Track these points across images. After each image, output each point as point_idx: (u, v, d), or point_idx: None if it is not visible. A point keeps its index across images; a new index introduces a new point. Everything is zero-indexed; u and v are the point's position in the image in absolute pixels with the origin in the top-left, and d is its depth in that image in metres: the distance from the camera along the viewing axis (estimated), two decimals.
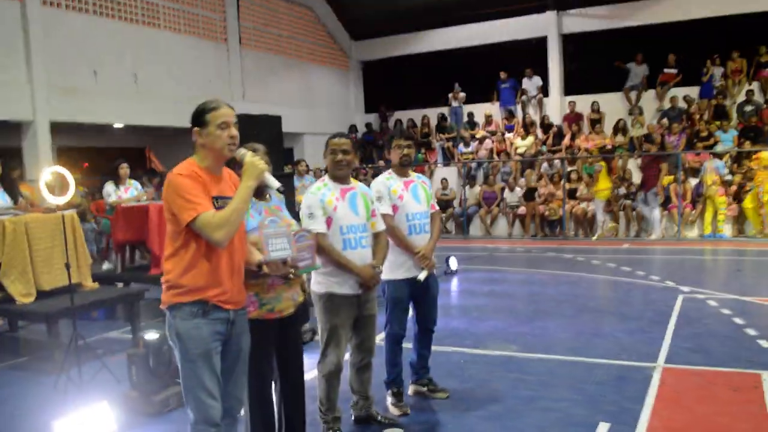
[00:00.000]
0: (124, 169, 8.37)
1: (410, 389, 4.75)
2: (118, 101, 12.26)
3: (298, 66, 17.57)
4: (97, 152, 16.21)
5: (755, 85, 15.04)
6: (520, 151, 16.34)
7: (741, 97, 14.98)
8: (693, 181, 13.50)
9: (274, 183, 3.00)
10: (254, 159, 2.89)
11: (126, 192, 8.36)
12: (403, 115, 19.02)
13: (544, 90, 17.51)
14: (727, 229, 12.67)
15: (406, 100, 19.50)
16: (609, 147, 15.27)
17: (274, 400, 3.57)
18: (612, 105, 16.47)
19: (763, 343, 5.67)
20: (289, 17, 17.19)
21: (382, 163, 16.99)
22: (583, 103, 16.62)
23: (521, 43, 18.02)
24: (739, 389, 4.62)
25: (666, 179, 13.72)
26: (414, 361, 4.75)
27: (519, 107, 17.64)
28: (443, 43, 18.84)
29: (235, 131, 2.94)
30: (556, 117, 16.97)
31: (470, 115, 17.82)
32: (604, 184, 13.91)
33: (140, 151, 17.81)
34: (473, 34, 18.32)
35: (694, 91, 15.60)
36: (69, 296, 5.50)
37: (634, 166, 14.43)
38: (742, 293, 7.69)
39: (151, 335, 4.78)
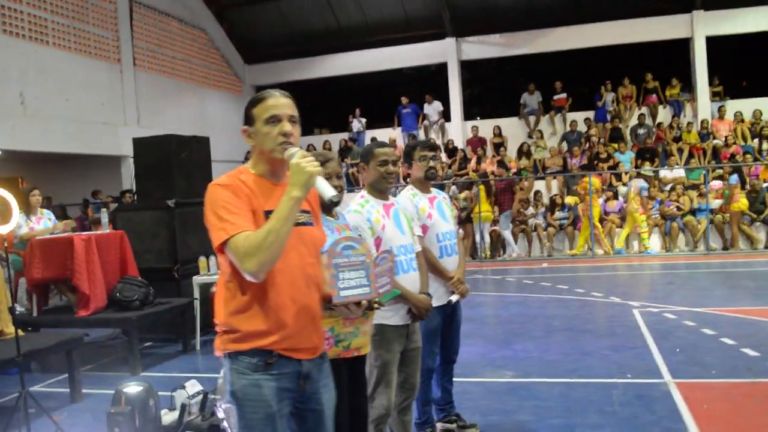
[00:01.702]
0: (36, 197, 7.32)
1: (438, 428, 4.28)
2: (2, 124, 10.90)
3: (193, 90, 16.66)
4: None
5: (644, 110, 15.97)
6: None
7: (633, 121, 15.86)
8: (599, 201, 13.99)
9: (327, 191, 2.23)
10: (302, 161, 2.17)
11: (38, 223, 7.30)
12: (302, 141, 18.49)
13: (446, 115, 17.69)
14: (654, 244, 13.16)
15: (305, 125, 19.03)
16: (514, 170, 15.57)
17: None
18: (513, 129, 16.93)
19: (749, 352, 5.71)
20: (183, 39, 16.28)
21: None
22: (485, 127, 16.94)
23: (421, 69, 18.18)
24: (763, 399, 4.55)
25: (572, 199, 14.17)
26: (438, 396, 4.29)
27: (421, 132, 17.70)
28: (342, 69, 18.61)
29: (289, 127, 2.29)
30: (458, 141, 17.16)
31: (374, 140, 17.59)
32: (483, 207, 14.05)
33: (12, 181, 16.08)
34: (373, 60, 18.23)
35: (590, 116, 16.33)
36: None
37: (542, 187, 14.81)
38: (690, 305, 7.85)
39: (133, 388, 4.01)
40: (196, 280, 7.33)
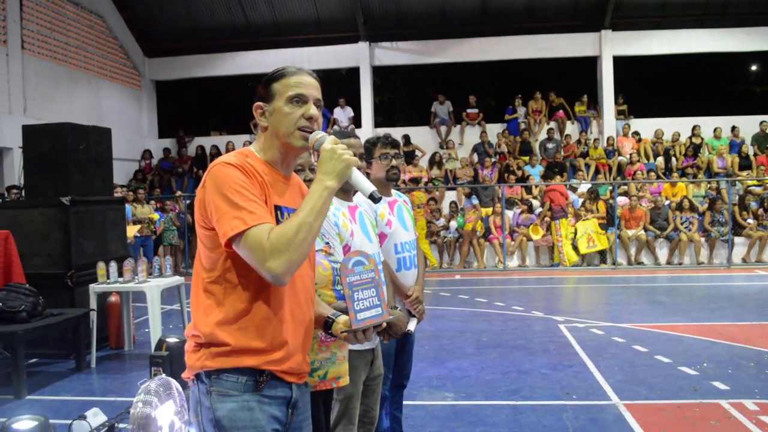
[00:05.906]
0: None
1: None
2: None
3: (87, 80, 15.35)
4: None
5: (553, 125, 16.22)
6: None
7: (542, 135, 16.06)
8: (509, 213, 14.00)
9: (367, 186, 1.91)
10: (337, 147, 1.87)
11: None
12: (206, 142, 17.56)
13: (356, 121, 17.31)
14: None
15: (209, 125, 18.13)
16: (425, 180, 15.41)
17: None
18: (424, 138, 16.75)
19: (687, 370, 5.61)
20: (79, 24, 14.97)
21: (179, 192, 15.50)
22: (396, 135, 16.64)
23: (331, 72, 17.72)
24: (719, 421, 4.39)
25: (484, 211, 14.11)
26: (387, 427, 3.82)
27: None
28: (249, 68, 17.74)
29: (315, 111, 1.94)
30: None
31: None
32: None
33: None
34: (282, 60, 17.50)
35: (501, 128, 16.41)
36: None
37: (454, 197, 14.70)
38: (614, 320, 7.78)
39: (25, 424, 3.30)
40: (94, 288, 6.52)
